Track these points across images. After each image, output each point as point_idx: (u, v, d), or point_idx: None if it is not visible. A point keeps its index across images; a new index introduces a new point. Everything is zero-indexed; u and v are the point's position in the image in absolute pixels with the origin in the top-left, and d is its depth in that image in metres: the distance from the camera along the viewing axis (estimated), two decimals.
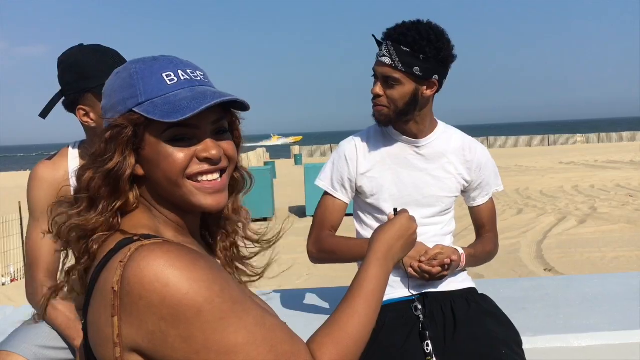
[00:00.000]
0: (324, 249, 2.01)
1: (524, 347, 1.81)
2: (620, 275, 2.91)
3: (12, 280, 8.73)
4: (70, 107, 1.78)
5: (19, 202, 8.38)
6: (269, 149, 46.50)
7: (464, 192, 2.08)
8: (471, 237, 2.16)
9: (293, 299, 2.51)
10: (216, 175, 1.00)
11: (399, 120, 1.91)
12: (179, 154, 0.96)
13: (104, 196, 0.96)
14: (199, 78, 1.00)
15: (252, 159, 31.43)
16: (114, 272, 0.87)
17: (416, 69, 1.82)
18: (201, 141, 0.98)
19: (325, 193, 2.05)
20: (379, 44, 1.88)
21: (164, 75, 0.97)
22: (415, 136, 1.97)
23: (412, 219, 1.22)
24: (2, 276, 8.70)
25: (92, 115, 1.74)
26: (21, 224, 8.92)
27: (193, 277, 0.85)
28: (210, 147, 0.98)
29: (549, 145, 44.64)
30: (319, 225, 2.04)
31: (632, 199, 13.29)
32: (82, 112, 1.76)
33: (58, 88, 1.80)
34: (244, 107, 1.03)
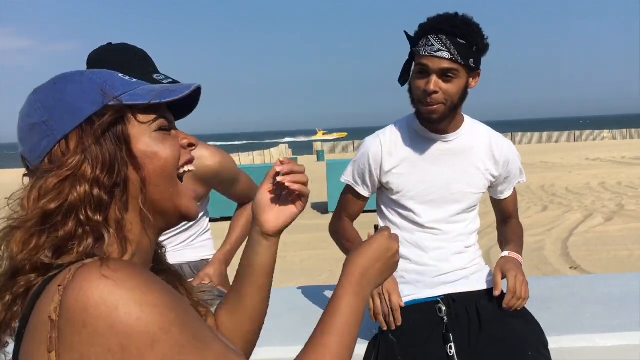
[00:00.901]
0: (335, 230, 2.14)
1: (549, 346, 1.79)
2: None
3: None
4: None
5: None
6: (291, 145, 46.57)
7: (490, 187, 2.07)
8: (495, 234, 2.14)
9: (315, 295, 2.51)
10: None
11: (450, 116, 1.89)
12: (173, 143, 0.88)
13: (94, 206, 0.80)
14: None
15: (275, 155, 31.47)
16: (51, 299, 0.72)
17: (471, 61, 1.81)
18: (172, 131, 0.91)
19: (348, 185, 2.09)
20: (415, 39, 1.84)
21: (120, 75, 0.89)
22: (444, 131, 1.94)
23: (393, 237, 1.07)
24: None
25: None
26: None
27: (146, 300, 0.71)
28: (186, 135, 0.92)
29: (574, 141, 43.92)
30: (338, 210, 2.15)
31: None
32: None
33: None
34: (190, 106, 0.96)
